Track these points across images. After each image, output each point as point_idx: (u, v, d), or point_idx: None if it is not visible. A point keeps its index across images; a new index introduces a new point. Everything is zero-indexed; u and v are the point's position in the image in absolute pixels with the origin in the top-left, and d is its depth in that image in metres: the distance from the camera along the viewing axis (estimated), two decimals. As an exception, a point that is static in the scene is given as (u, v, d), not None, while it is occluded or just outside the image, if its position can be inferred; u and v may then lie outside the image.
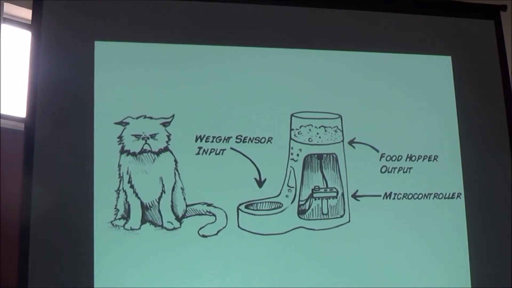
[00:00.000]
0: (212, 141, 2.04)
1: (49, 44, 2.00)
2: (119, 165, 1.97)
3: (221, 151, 2.04)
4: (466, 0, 2.41)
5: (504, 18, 2.40)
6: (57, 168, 1.93)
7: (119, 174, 1.97)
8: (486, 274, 2.16)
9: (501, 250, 2.20)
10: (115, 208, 1.94)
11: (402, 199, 2.15)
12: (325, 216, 2.09)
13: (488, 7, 2.40)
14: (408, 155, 2.19)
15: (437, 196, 2.19)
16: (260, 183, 2.05)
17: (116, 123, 1.99)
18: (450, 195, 2.20)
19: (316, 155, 2.11)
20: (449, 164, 2.22)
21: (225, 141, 2.05)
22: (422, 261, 2.13)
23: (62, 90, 1.98)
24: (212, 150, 2.04)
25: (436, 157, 2.21)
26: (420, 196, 2.17)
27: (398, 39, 2.28)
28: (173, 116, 2.03)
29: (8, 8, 3.25)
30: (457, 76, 2.28)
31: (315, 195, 2.09)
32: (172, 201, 1.99)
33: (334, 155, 2.13)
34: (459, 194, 2.20)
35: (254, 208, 2.03)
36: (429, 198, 2.18)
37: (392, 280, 2.09)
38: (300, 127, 2.11)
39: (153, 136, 2.00)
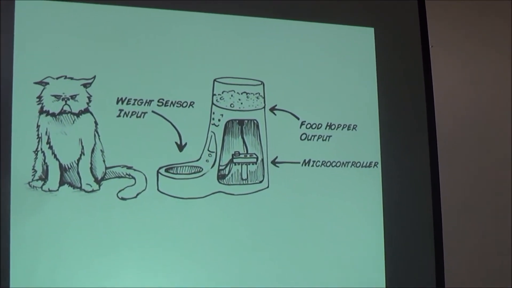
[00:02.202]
0: (134, 104, 2.02)
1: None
2: (38, 126, 1.93)
3: (143, 114, 2.03)
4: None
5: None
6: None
7: (38, 134, 1.93)
8: (398, 239, 2.25)
9: (414, 217, 2.30)
10: (33, 169, 1.91)
11: (321, 166, 2.20)
12: (244, 181, 2.11)
13: (412, -19, 2.45)
14: (328, 123, 2.23)
15: (355, 165, 2.25)
16: (180, 147, 2.05)
17: (35, 83, 1.94)
18: (368, 164, 2.26)
19: (237, 121, 2.13)
20: (368, 134, 2.27)
21: (146, 104, 2.04)
22: (338, 227, 2.20)
23: (-20, 48, 1.93)
24: (133, 113, 2.02)
25: (355, 126, 2.26)
26: (338, 164, 2.22)
27: (322, 9, 2.29)
28: (94, 77, 1.99)
29: None
30: (379, 48, 2.32)
31: (235, 160, 2.11)
32: (91, 163, 1.97)
33: (255, 121, 2.15)
34: (376, 163, 2.27)
35: (174, 172, 2.04)
36: (347, 166, 2.23)
37: (307, 244, 2.15)
38: (222, 93, 2.11)
39: (73, 97, 1.97)
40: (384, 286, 2.21)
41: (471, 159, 2.55)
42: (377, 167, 2.26)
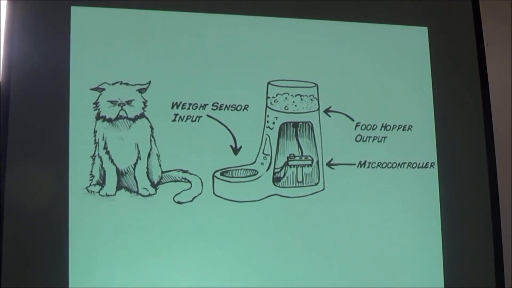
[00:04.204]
0: (189, 108, 2.04)
1: (24, 9, 1.97)
2: (95, 131, 1.96)
3: (197, 118, 2.04)
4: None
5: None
6: (32, 134, 1.92)
7: (95, 140, 1.96)
8: (456, 241, 2.21)
9: (472, 218, 2.25)
10: (90, 174, 1.94)
11: (377, 168, 2.18)
12: (299, 183, 2.10)
13: (465, -21, 2.41)
14: (383, 124, 2.21)
15: (411, 165, 2.21)
16: (235, 150, 2.06)
17: (92, 89, 1.97)
18: (424, 165, 2.23)
19: (291, 123, 2.12)
20: (423, 134, 2.24)
21: (201, 108, 2.05)
22: (395, 229, 2.17)
23: (38, 56, 1.95)
24: (188, 117, 2.03)
25: (410, 126, 2.23)
26: (394, 165, 2.20)
27: (375, 9, 2.27)
28: (149, 82, 2.01)
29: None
30: (433, 47, 2.29)
31: (290, 163, 2.11)
32: (147, 168, 1.99)
33: (309, 124, 2.14)
34: (432, 164, 2.23)
35: (230, 175, 2.04)
36: (403, 167, 2.20)
37: (364, 246, 2.12)
38: (276, 95, 2.11)
39: (129, 102, 1.99)
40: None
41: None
42: (433, 167, 2.23)
